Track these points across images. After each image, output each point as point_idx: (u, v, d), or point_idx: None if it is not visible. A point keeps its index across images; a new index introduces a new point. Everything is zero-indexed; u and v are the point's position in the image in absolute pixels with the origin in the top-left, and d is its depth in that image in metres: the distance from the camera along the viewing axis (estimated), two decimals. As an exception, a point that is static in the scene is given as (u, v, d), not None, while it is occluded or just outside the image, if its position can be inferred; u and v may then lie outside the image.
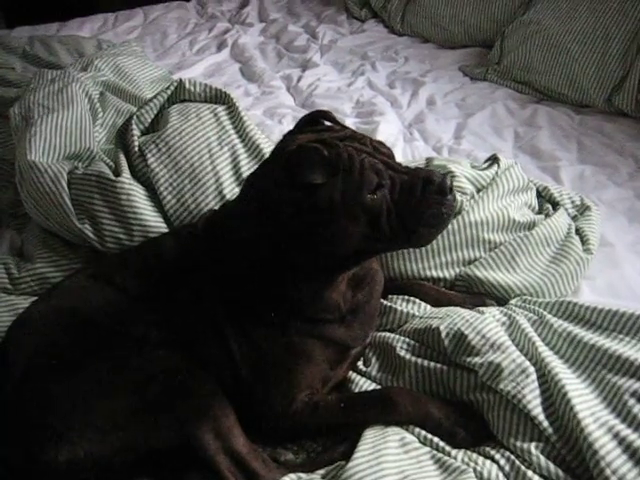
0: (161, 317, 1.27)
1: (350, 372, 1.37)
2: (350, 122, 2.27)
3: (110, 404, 1.15)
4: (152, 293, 1.31)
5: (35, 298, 1.47)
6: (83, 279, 1.38)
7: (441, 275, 1.51)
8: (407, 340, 1.36)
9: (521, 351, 1.25)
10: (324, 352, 1.27)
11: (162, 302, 1.29)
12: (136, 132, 1.70)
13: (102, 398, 1.16)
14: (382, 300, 1.47)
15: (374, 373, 1.36)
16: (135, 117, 1.73)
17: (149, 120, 1.75)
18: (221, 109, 1.73)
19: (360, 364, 1.39)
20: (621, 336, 1.26)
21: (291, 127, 1.33)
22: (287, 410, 1.24)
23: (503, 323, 1.32)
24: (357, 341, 1.34)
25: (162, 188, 1.59)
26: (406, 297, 1.48)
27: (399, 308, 1.44)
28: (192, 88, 1.79)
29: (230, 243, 1.29)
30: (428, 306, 1.45)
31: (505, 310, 1.37)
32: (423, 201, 1.16)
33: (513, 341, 1.27)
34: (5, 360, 1.24)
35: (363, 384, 1.34)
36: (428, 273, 1.51)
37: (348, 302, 1.31)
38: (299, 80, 2.73)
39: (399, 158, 2.05)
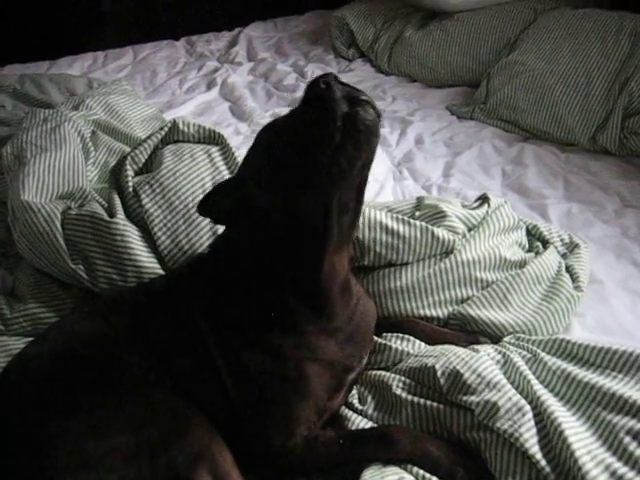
0: (155, 356, 1.27)
1: (346, 410, 1.37)
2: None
3: (105, 445, 1.13)
4: (144, 331, 1.30)
5: (28, 339, 1.46)
6: (78, 319, 1.37)
7: (434, 314, 1.52)
8: (403, 379, 1.36)
9: (516, 389, 1.25)
10: (321, 378, 1.27)
11: (154, 340, 1.29)
12: (130, 172, 1.70)
13: (97, 439, 1.14)
14: (376, 338, 1.47)
15: (370, 412, 1.35)
16: (129, 157, 1.73)
17: (143, 160, 1.75)
18: (214, 150, 1.74)
19: (356, 402, 1.39)
20: (614, 373, 1.27)
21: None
22: (286, 445, 1.23)
23: (498, 361, 1.33)
24: (353, 360, 1.34)
25: (156, 229, 1.59)
26: (400, 335, 1.48)
27: (394, 346, 1.45)
28: (186, 129, 1.80)
29: (221, 265, 1.31)
30: (422, 344, 1.46)
31: (499, 348, 1.38)
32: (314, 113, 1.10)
33: (508, 379, 1.28)
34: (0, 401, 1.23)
35: (359, 422, 1.33)
36: (421, 312, 1.52)
37: (344, 311, 1.32)
38: (288, 119, 2.75)
39: (389, 197, 2.09)
